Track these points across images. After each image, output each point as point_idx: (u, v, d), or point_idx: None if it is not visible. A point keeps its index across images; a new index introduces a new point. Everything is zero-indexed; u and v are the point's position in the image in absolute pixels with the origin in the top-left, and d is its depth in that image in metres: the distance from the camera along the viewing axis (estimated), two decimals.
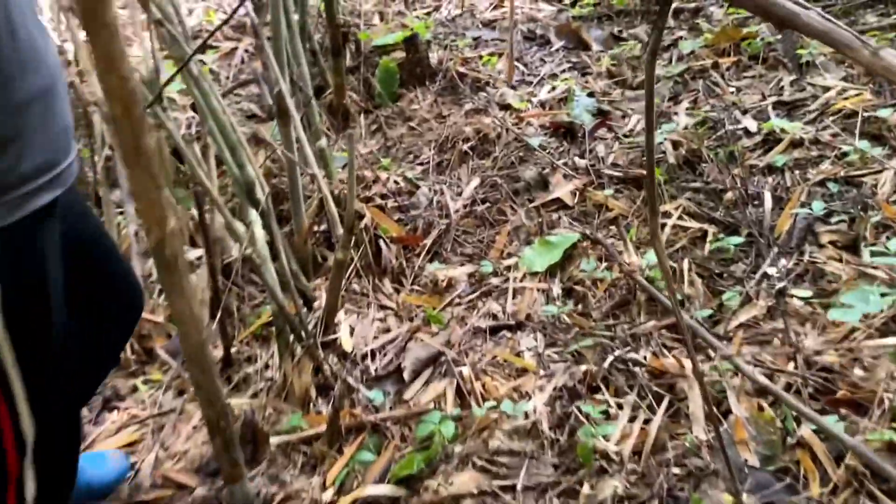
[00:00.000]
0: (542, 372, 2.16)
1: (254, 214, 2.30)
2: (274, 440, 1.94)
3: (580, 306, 2.43)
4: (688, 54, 3.61)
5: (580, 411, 1.95)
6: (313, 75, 3.85)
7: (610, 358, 2.14)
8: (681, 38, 3.80)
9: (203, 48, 1.66)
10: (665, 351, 2.20)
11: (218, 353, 2.35)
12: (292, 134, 2.41)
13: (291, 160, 2.29)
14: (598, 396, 2.00)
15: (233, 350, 2.41)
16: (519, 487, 1.75)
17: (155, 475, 2.01)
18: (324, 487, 1.83)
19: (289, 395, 2.06)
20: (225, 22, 1.65)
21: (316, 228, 2.90)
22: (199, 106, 2.38)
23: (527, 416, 1.94)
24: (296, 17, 3.44)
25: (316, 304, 2.45)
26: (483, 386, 2.10)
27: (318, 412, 2.05)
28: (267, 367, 2.37)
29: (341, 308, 2.38)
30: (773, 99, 3.12)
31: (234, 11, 1.39)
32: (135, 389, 2.34)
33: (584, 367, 2.11)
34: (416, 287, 2.68)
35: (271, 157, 3.24)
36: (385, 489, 1.75)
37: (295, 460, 1.96)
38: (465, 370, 2.17)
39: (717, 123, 2.99)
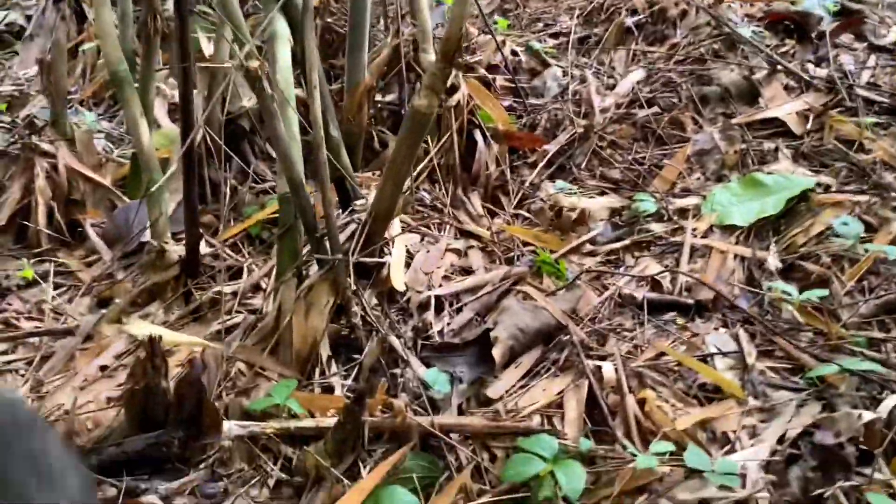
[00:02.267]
0: (752, 402, 1.24)
1: (281, 26, 1.42)
2: (232, 425, 1.09)
3: (816, 295, 1.49)
4: None
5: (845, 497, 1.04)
6: None
7: (891, 401, 1.21)
8: None
9: None
10: None
11: (178, 249, 1.49)
12: None
13: None
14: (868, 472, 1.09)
15: (206, 251, 1.55)
16: None
17: None
18: None
19: (280, 345, 1.21)
20: None
21: (379, 98, 2.00)
22: None
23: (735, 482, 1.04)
24: None
25: (359, 204, 1.56)
26: (642, 406, 1.20)
27: (327, 388, 1.16)
28: (257, 289, 1.50)
29: (398, 215, 1.49)
30: None
31: None
32: (30, 284, 1.50)
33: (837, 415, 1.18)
34: (523, 212, 1.78)
35: None
36: None
37: (264, 472, 1.11)
38: (607, 367, 1.27)
39: None
